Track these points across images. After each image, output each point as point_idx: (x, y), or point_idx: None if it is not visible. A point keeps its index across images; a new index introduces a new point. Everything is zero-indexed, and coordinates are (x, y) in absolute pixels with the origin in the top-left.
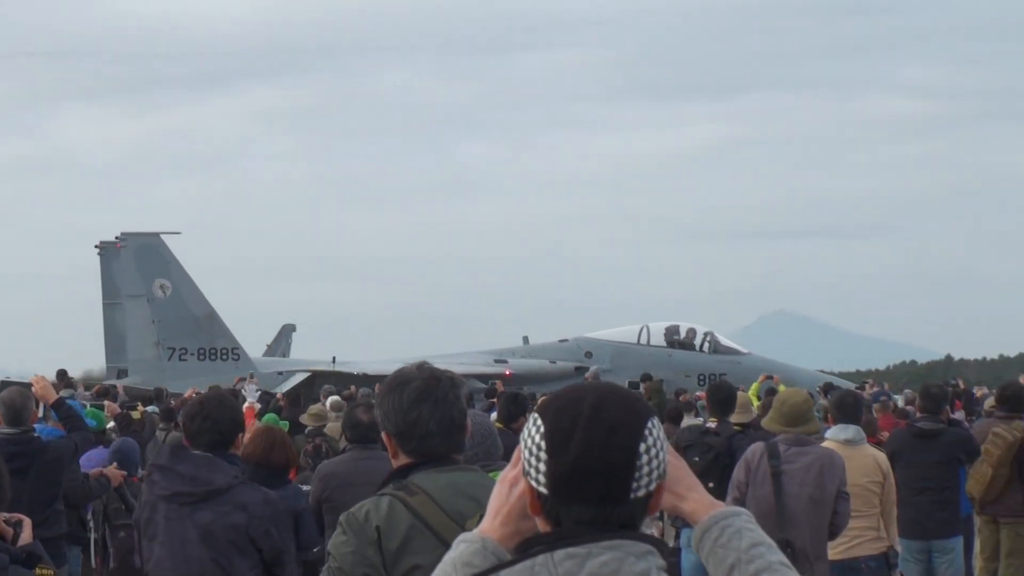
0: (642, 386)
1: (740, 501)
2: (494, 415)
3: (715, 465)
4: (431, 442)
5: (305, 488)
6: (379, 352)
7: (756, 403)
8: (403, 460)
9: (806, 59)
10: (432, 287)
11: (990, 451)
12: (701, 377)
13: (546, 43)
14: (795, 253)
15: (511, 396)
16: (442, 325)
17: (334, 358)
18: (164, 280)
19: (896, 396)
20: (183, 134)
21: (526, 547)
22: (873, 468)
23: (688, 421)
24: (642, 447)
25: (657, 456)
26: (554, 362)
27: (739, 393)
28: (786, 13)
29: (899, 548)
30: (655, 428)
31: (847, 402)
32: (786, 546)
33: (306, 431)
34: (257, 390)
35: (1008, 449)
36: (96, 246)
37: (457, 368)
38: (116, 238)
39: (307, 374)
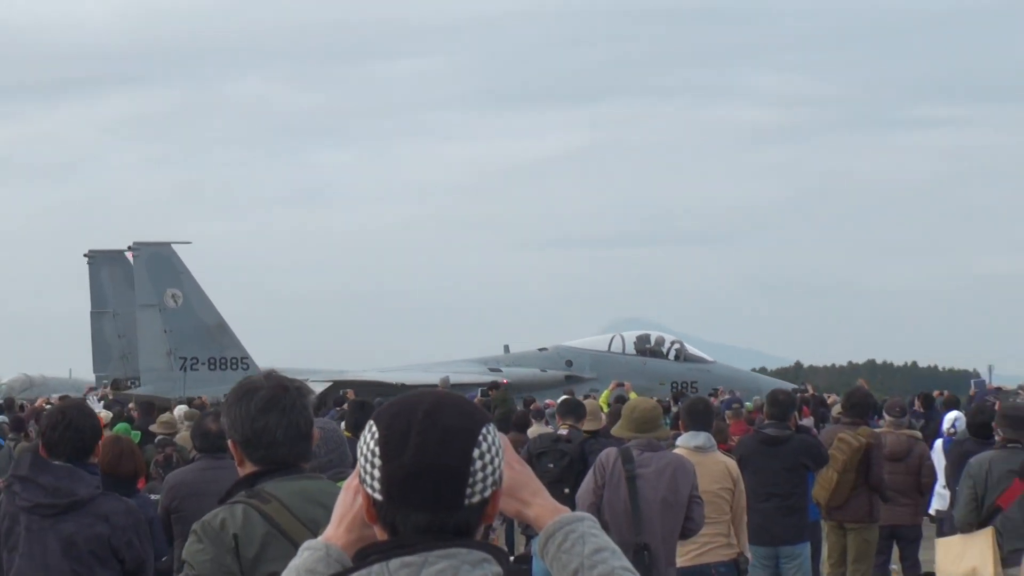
0: (490, 393)
1: (595, 505)
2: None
3: (569, 471)
4: (278, 451)
5: (154, 497)
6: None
7: (606, 410)
8: (249, 468)
9: (662, 67)
10: (287, 294)
11: (836, 457)
12: (673, 384)
13: (401, 51)
14: (648, 260)
15: (358, 404)
16: (294, 332)
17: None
18: (175, 290)
19: (748, 403)
20: (34, 143)
21: (363, 555)
22: (724, 475)
23: (539, 429)
24: (476, 453)
25: (492, 463)
26: (544, 370)
27: (589, 401)
28: (642, 20)
29: (749, 555)
30: (490, 435)
31: (698, 409)
32: (643, 549)
33: (156, 440)
34: (100, 399)
35: (854, 455)
36: (85, 255)
37: (456, 377)
38: (128, 248)
39: (328, 383)
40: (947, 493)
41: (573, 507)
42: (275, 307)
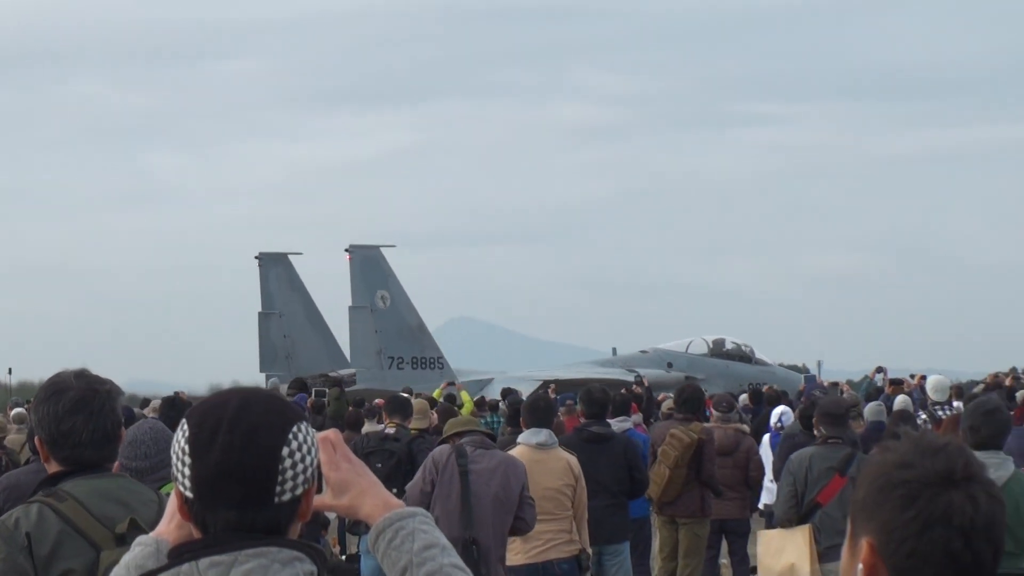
0: (327, 392)
1: (426, 501)
2: None
3: (397, 470)
4: (83, 452)
5: None
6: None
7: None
8: (55, 467)
9: (490, 66)
10: (117, 297)
11: (668, 453)
12: (749, 385)
13: (230, 52)
14: (477, 259)
15: (170, 402)
16: (122, 336)
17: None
18: (384, 291)
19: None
20: None
21: (177, 554)
22: (565, 471)
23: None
24: (285, 451)
25: (303, 460)
26: (670, 368)
27: (417, 400)
28: (469, 20)
29: (590, 551)
30: (301, 432)
31: (538, 407)
32: (472, 544)
33: None
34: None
35: (686, 451)
36: (256, 257)
37: (597, 378)
38: (346, 250)
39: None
40: (775, 487)
41: None
42: (102, 310)
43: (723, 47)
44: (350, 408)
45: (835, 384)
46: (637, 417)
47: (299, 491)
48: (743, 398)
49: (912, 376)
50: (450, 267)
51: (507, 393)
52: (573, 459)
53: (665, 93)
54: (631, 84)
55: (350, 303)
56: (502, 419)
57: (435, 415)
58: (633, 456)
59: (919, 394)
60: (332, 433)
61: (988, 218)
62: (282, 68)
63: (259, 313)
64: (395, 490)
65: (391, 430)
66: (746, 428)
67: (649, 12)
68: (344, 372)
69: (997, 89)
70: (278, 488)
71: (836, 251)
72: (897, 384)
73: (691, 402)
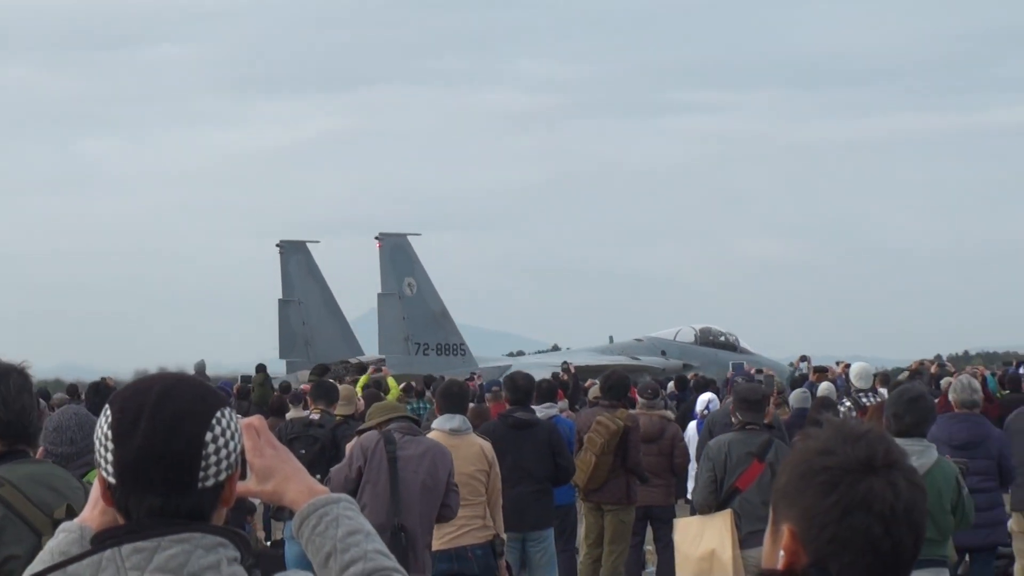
0: (253, 378)
1: (351, 488)
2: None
3: (321, 457)
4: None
5: None
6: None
7: (361, 394)
8: None
9: (422, 52)
10: (45, 282)
11: (594, 440)
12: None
13: (164, 37)
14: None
15: (94, 387)
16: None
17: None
18: (411, 279)
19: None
20: None
21: (99, 540)
22: (479, 457)
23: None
24: (209, 436)
25: (227, 446)
26: (664, 356)
27: (344, 386)
28: (402, 4)
29: (504, 537)
30: (225, 418)
31: (452, 391)
32: (400, 530)
33: None
34: None
35: (611, 437)
36: (277, 244)
37: (607, 361)
38: (376, 238)
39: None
40: None
41: None
42: (31, 294)
43: (657, 34)
44: (275, 393)
45: (761, 371)
46: (563, 404)
47: (222, 477)
48: (670, 385)
49: (837, 363)
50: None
51: (322, 371)
52: (487, 444)
53: (599, 80)
54: (565, 71)
55: (379, 290)
56: (429, 405)
57: (361, 401)
58: (558, 443)
59: (843, 382)
60: (256, 419)
61: (913, 206)
62: (215, 54)
63: (279, 300)
64: (318, 476)
65: (316, 416)
66: (671, 415)
67: None
68: (370, 358)
69: (922, 78)
70: (201, 474)
71: (766, 238)
72: (821, 371)
73: (616, 389)
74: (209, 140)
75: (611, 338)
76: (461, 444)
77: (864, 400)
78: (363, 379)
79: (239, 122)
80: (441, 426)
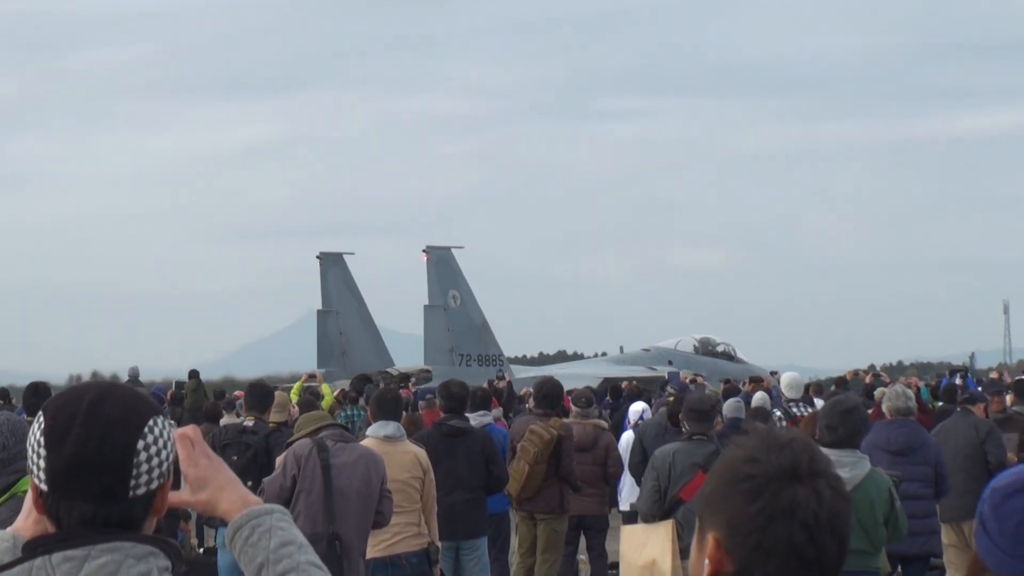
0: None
1: (286, 497)
2: None
3: (253, 464)
4: None
5: None
6: None
7: (296, 400)
8: None
9: (357, 56)
10: None
11: (527, 449)
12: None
13: (94, 40)
14: (344, 250)
15: (32, 388)
16: None
17: None
18: (455, 291)
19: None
20: None
21: (30, 548)
22: (414, 463)
23: (231, 420)
24: (140, 444)
25: (159, 455)
26: (671, 366)
27: (278, 392)
28: (334, 7)
29: (439, 544)
30: (157, 426)
31: (386, 399)
32: (335, 539)
33: None
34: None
35: (545, 446)
36: (317, 256)
37: (629, 372)
38: (423, 251)
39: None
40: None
41: None
42: None
43: (590, 39)
44: (209, 400)
45: (695, 380)
46: (497, 412)
47: (154, 485)
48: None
49: (773, 373)
50: (310, 261)
51: (363, 382)
52: (421, 452)
53: (532, 86)
54: (499, 76)
55: (426, 302)
56: (363, 412)
57: (295, 408)
58: (491, 451)
59: (778, 391)
60: (191, 429)
61: (846, 216)
62: (147, 58)
63: (318, 311)
64: (250, 483)
65: (249, 423)
66: (605, 424)
67: (519, 4)
68: (412, 368)
69: (854, 86)
70: (133, 482)
71: (698, 247)
72: (756, 381)
73: (550, 398)
74: (139, 144)
75: (622, 348)
76: (395, 451)
77: (796, 410)
78: (296, 386)
79: (170, 126)
80: (375, 433)
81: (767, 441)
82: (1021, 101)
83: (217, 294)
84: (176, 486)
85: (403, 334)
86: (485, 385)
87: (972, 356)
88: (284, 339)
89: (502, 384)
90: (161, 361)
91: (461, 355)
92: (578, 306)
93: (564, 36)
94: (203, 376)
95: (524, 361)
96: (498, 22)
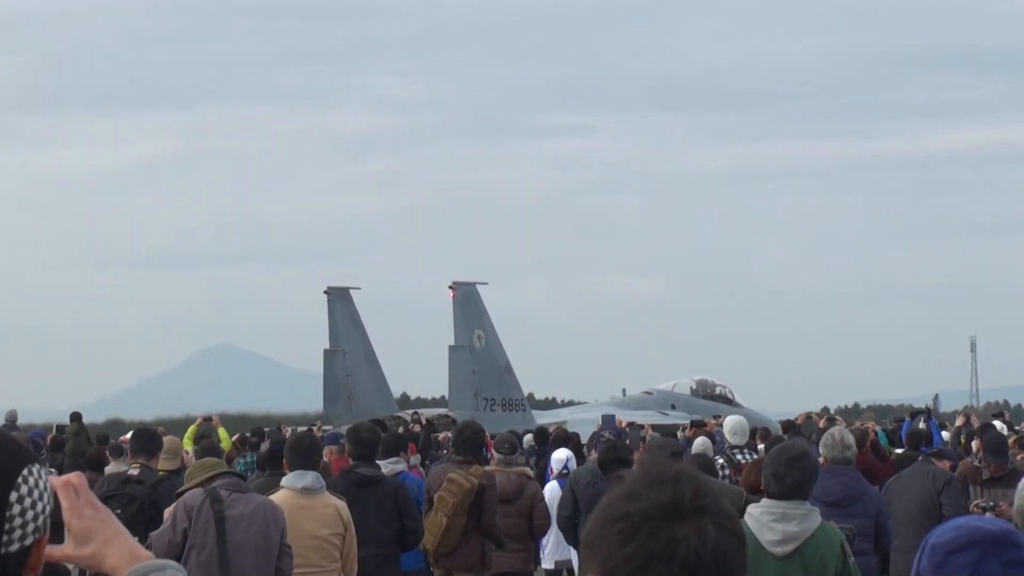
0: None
1: (176, 552)
2: None
3: (139, 517)
4: None
5: None
6: None
7: (191, 448)
8: None
9: (260, 68)
10: None
11: (445, 499)
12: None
13: None
14: (238, 280)
15: None
16: None
17: None
18: (480, 331)
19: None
20: None
21: None
22: (334, 518)
23: (117, 468)
24: (13, 496)
25: (34, 507)
26: (674, 410)
27: (169, 438)
28: (237, 16)
29: None
30: (32, 476)
31: (303, 445)
32: None
33: None
34: None
35: (465, 496)
36: (325, 291)
37: (640, 418)
38: (449, 287)
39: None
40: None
41: None
42: None
43: (519, 50)
44: (93, 445)
45: (633, 424)
46: (415, 459)
47: (29, 541)
48: (527, 438)
49: (716, 417)
50: (208, 288)
51: (264, 432)
52: (342, 505)
53: (458, 100)
54: (420, 90)
55: (452, 342)
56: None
57: (189, 455)
58: (405, 502)
59: (721, 437)
60: (75, 477)
61: (797, 242)
62: (29, 68)
63: (325, 351)
64: (136, 538)
65: (135, 471)
66: (531, 472)
67: (442, 11)
68: (432, 413)
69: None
70: (5, 537)
71: (635, 275)
72: (699, 425)
73: (471, 443)
74: (22, 161)
75: (624, 391)
76: (314, 504)
77: (740, 457)
78: (191, 430)
79: (56, 141)
80: (291, 484)
81: (648, 476)
82: (988, 117)
83: (105, 328)
84: (58, 539)
85: (298, 370)
86: (415, 428)
87: (936, 398)
88: (178, 377)
89: (418, 428)
90: (41, 402)
91: (485, 399)
92: (508, 337)
93: (492, 44)
94: (87, 418)
95: (442, 403)
96: (425, 30)
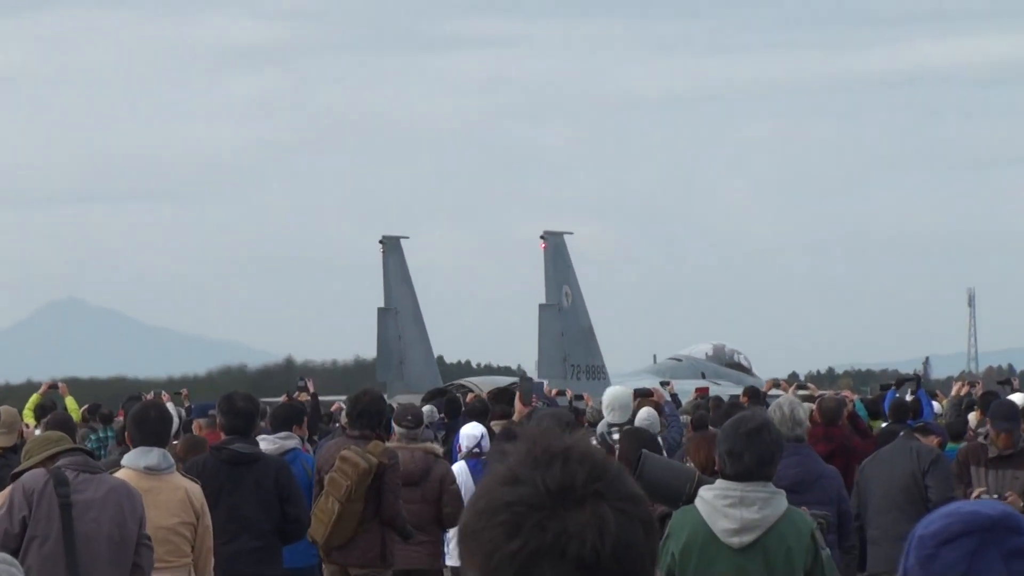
0: None
1: (15, 541)
2: None
3: None
4: None
5: None
6: None
7: (33, 422)
8: None
9: None
10: None
11: (337, 481)
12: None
13: None
14: (86, 223)
15: None
16: None
17: None
18: (567, 287)
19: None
20: None
21: None
22: (183, 504)
23: None
24: None
25: None
26: (704, 378)
27: (5, 408)
28: None
29: None
30: None
31: (149, 417)
32: None
33: None
34: None
35: (361, 479)
36: (380, 241)
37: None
38: (541, 237)
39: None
40: None
41: None
42: None
43: None
44: None
45: (563, 393)
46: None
47: None
48: (426, 409)
49: (664, 384)
50: (43, 235)
51: (132, 401)
52: (195, 488)
53: (346, 6)
54: None
55: (543, 300)
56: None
57: (30, 428)
58: (288, 484)
59: (671, 408)
60: None
61: (761, 177)
62: None
63: (379, 308)
64: None
65: None
66: (439, 450)
67: None
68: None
69: (780, 6)
70: None
71: (565, 216)
72: (645, 395)
73: (369, 414)
74: None
75: (655, 357)
76: (161, 487)
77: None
78: (34, 399)
79: None
80: (134, 463)
81: (532, 453)
82: (991, 25)
83: None
84: None
85: (160, 328)
86: (303, 397)
87: (926, 362)
88: (16, 337)
89: (305, 396)
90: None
91: (573, 366)
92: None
93: None
94: None
95: (333, 370)
96: None
